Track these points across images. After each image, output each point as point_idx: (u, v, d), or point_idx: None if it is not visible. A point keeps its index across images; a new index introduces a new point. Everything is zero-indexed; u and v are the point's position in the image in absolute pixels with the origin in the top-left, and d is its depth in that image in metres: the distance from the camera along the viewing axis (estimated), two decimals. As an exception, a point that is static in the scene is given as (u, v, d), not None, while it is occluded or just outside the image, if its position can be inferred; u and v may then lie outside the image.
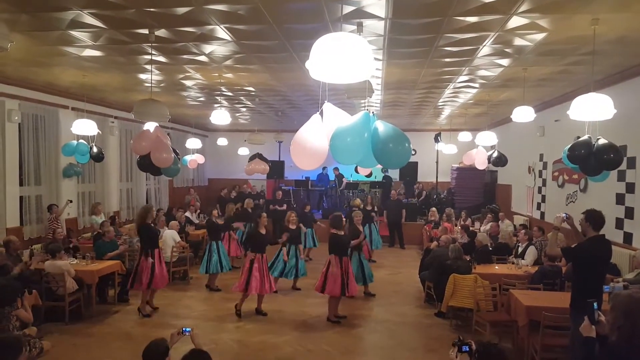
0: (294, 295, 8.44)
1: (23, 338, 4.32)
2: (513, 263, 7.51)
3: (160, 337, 3.45)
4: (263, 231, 7.29)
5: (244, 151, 15.09)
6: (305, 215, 10.96)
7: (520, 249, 7.94)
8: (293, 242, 8.59)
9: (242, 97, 10.19)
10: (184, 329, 3.59)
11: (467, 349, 2.86)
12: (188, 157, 12.26)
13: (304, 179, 16.11)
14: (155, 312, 7.30)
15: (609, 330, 2.95)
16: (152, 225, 7.45)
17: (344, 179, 15.80)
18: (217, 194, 15.49)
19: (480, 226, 11.27)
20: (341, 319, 7.00)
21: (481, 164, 10.59)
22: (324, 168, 15.89)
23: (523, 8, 4.53)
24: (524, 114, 7.45)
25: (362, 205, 11.63)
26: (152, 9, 4.69)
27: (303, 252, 9.55)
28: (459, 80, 8.04)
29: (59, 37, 5.65)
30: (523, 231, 8.30)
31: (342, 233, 7.16)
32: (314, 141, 4.06)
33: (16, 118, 8.22)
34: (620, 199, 7.20)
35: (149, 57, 6.46)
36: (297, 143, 4.21)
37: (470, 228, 10.81)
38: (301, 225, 10.21)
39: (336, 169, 15.64)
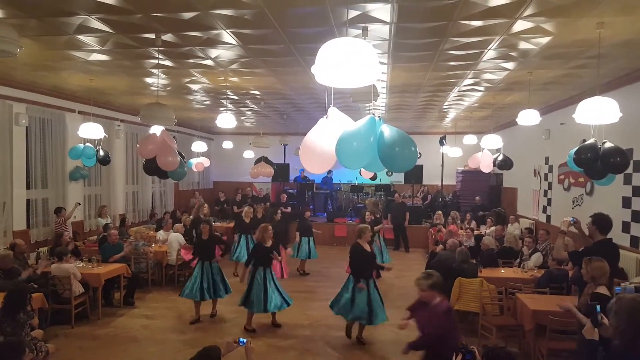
0: (297, 299, 8.41)
1: (26, 341, 4.37)
2: (518, 266, 7.49)
3: (214, 343, 3.38)
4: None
5: (249, 154, 15.12)
6: (304, 223, 10.39)
7: (525, 255, 7.90)
8: (261, 264, 6.72)
9: (247, 101, 10.22)
10: (240, 339, 3.51)
11: (470, 357, 2.83)
12: (193, 160, 12.30)
13: (301, 180, 16.09)
14: None
15: (612, 334, 2.95)
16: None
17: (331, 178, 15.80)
18: (217, 197, 15.52)
19: (486, 229, 11.22)
20: None
21: (486, 167, 10.57)
22: (329, 172, 15.90)
23: (528, 12, 4.53)
24: (529, 117, 7.43)
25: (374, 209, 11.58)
26: (158, 14, 4.72)
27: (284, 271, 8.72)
28: (464, 83, 8.04)
29: (67, 42, 5.70)
30: (528, 237, 8.27)
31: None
32: (323, 145, 4.06)
33: (23, 121, 8.28)
34: (626, 203, 7.16)
35: (155, 61, 6.50)
36: (306, 147, 4.21)
37: (476, 231, 10.78)
38: (297, 233, 10.04)
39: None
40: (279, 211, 9.99)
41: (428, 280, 3.98)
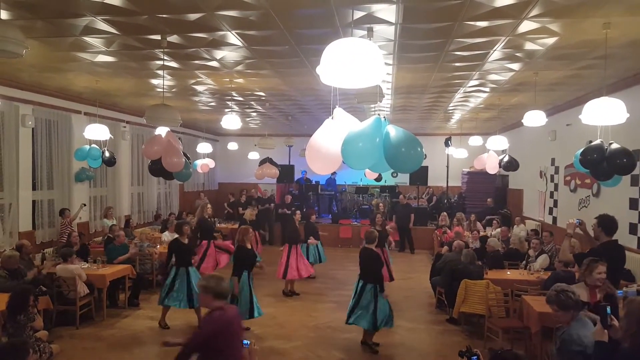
0: (303, 301, 8.43)
1: (30, 341, 4.38)
2: (524, 268, 7.45)
3: None
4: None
5: (254, 155, 15.15)
6: (310, 225, 10.05)
7: (531, 257, 7.85)
8: (245, 268, 6.42)
9: (252, 102, 10.23)
10: (243, 341, 3.48)
11: None
12: (199, 162, 12.33)
13: (304, 182, 16.12)
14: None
15: (622, 337, 2.92)
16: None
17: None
18: (226, 199, 15.53)
19: (492, 231, 11.17)
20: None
21: (492, 168, 10.53)
22: (332, 173, 15.88)
23: (534, 12, 4.51)
24: (535, 118, 7.39)
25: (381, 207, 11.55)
26: (164, 15, 4.74)
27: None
28: (469, 84, 8.01)
29: (73, 43, 5.72)
30: (535, 238, 8.22)
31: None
32: (329, 146, 4.05)
33: (30, 123, 8.33)
34: (633, 204, 7.11)
35: (160, 62, 6.51)
36: (312, 148, 4.20)
37: (481, 233, 10.73)
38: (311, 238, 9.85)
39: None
40: (298, 212, 9.99)
41: (202, 282, 3.55)
